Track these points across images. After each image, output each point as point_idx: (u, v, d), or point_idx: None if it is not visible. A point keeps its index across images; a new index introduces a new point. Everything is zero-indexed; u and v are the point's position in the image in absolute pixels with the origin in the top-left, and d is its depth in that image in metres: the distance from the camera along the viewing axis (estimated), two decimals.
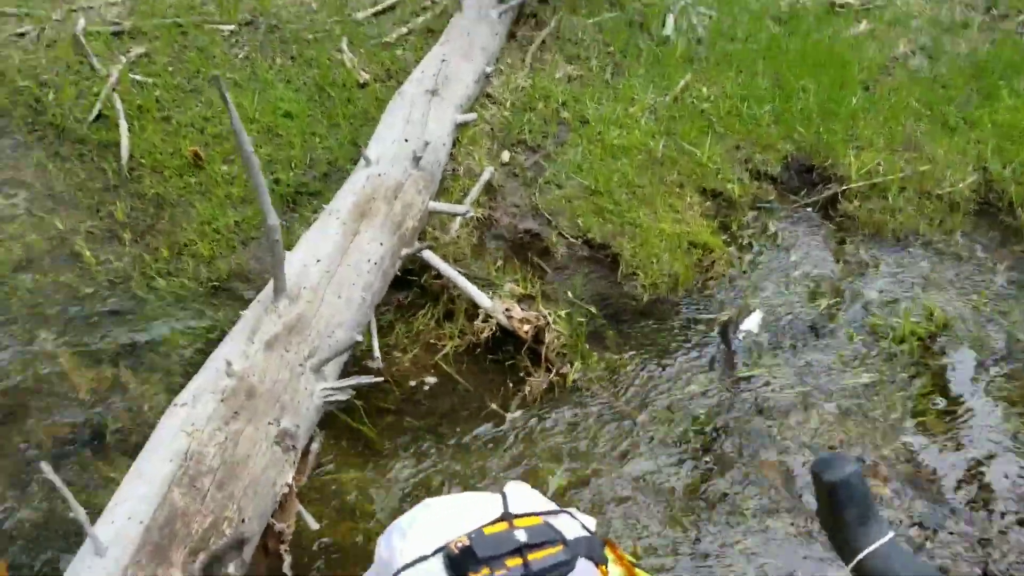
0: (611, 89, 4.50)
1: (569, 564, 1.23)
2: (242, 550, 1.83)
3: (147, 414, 2.71)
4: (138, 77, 4.17)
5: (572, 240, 3.65)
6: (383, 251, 2.79)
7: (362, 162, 3.15)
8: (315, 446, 2.33)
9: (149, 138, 3.83)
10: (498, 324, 3.13)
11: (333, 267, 2.59)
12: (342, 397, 2.35)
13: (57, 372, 2.88)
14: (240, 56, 4.45)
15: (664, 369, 3.25)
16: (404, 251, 2.93)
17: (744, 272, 3.74)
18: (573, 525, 1.32)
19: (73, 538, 2.33)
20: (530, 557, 1.20)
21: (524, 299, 3.31)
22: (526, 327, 3.08)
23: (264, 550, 2.11)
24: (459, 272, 3.20)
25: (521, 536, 1.23)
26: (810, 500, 2.72)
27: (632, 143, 4.07)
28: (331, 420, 2.73)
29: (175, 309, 3.16)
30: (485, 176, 3.66)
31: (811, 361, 3.29)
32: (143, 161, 3.73)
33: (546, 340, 3.10)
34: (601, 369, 3.21)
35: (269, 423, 2.09)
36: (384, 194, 2.96)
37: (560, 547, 1.24)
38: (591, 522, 1.37)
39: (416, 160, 3.15)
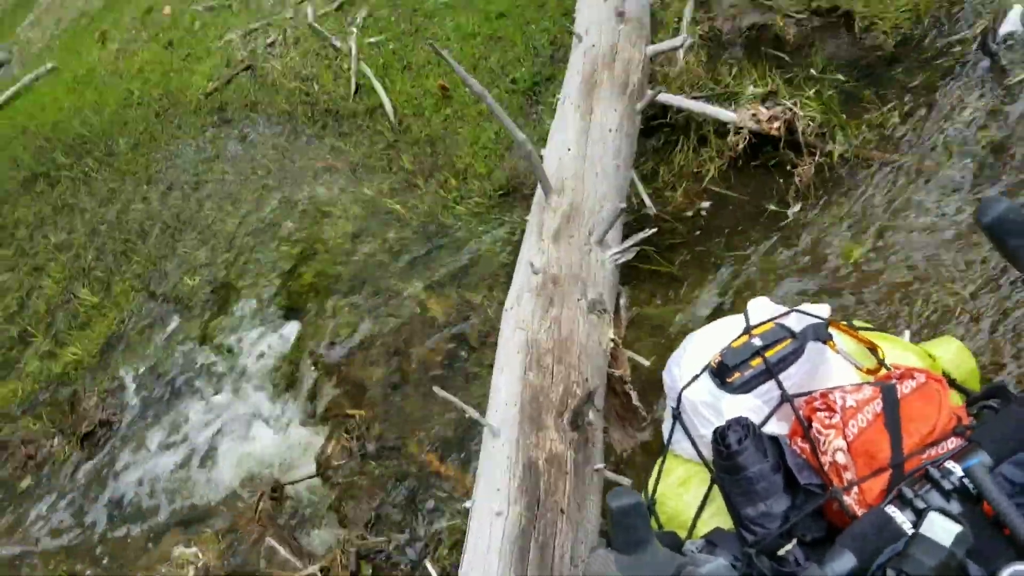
0: None
1: (798, 351, 1.53)
2: (593, 400, 2.32)
3: (492, 317, 3.31)
4: (371, 39, 4.73)
5: (798, 15, 3.62)
6: (619, 116, 3.06)
7: (575, 39, 3.40)
8: (623, 300, 2.75)
9: (401, 89, 4.38)
10: (749, 131, 3.28)
11: (582, 150, 2.93)
12: (629, 256, 2.73)
13: (419, 308, 3.58)
14: None
15: (931, 108, 3.19)
16: (638, 106, 3.17)
17: None
18: (802, 319, 1.61)
19: (473, 428, 3.01)
20: (767, 355, 1.53)
21: (768, 97, 3.41)
22: (775, 124, 3.21)
23: (613, 392, 2.60)
24: (696, 98, 3.38)
25: (757, 342, 1.56)
26: None
27: None
28: (634, 272, 3.14)
29: (478, 225, 3.73)
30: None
31: None
32: (405, 111, 4.30)
33: (799, 127, 3.20)
34: (866, 132, 3.24)
35: (578, 299, 2.54)
36: (602, 62, 3.20)
37: (788, 340, 1.55)
38: (824, 310, 1.64)
39: (620, 16, 3.33)
